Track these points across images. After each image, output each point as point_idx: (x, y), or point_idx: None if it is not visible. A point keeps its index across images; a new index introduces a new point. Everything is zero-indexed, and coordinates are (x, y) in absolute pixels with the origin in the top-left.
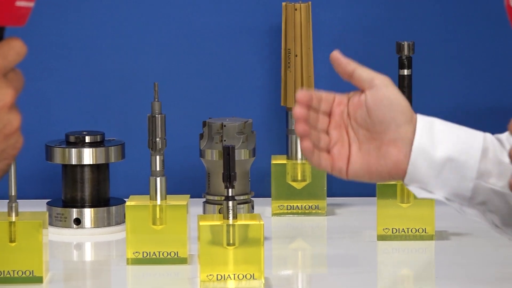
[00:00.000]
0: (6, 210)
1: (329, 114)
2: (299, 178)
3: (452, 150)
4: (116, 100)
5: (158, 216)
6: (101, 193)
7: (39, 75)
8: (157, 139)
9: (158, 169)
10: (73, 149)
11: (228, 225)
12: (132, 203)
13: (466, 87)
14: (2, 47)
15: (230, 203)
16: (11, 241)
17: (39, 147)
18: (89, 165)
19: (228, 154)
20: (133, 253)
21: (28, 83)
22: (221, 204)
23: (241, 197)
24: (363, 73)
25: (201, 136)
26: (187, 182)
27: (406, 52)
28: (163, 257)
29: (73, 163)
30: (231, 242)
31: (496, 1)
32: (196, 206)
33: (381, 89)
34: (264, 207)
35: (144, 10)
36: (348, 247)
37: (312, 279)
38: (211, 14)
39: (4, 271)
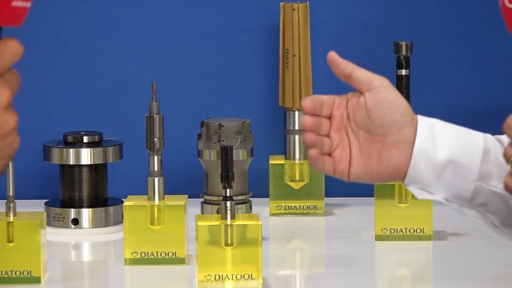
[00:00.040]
0: (4, 210)
1: (330, 117)
2: (297, 178)
3: (453, 152)
4: (114, 100)
5: (156, 216)
6: (99, 193)
7: (37, 75)
8: (155, 139)
9: (156, 169)
10: (71, 149)
11: (226, 225)
12: (130, 203)
13: (464, 87)
14: None
15: (228, 203)
16: (9, 241)
17: (37, 147)
18: (87, 165)
19: (226, 154)
20: (131, 253)
21: (26, 83)
22: (219, 204)
23: (239, 197)
24: (362, 75)
25: (199, 136)
26: (185, 182)
27: (404, 52)
28: (161, 257)
29: (71, 163)
30: (229, 242)
31: (494, 1)
32: (194, 206)
33: (381, 92)
34: (262, 207)
35: (142, 11)
36: (346, 247)
37: (310, 279)
38: (209, 14)
39: (2, 271)
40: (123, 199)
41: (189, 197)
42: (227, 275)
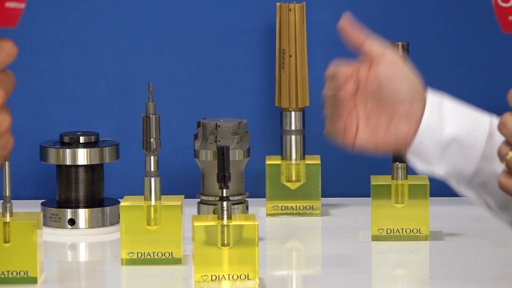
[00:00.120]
0: (0, 210)
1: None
2: (294, 178)
3: (459, 130)
4: (110, 100)
5: (152, 216)
6: (95, 193)
7: (34, 76)
8: (152, 140)
9: (152, 169)
10: (67, 150)
11: (222, 226)
12: (127, 203)
13: (461, 88)
14: None
15: (225, 203)
16: (6, 241)
17: (33, 148)
18: (84, 165)
19: (222, 154)
20: (128, 254)
21: (22, 84)
22: (215, 205)
23: (236, 198)
24: (374, 48)
25: (196, 136)
26: (182, 183)
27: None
28: (157, 257)
29: (68, 164)
30: (225, 242)
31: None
32: (190, 207)
33: (393, 65)
34: (258, 207)
35: (138, 11)
36: (343, 248)
37: (306, 279)
38: (205, 14)
39: None
40: (119, 200)
41: (185, 198)
42: (223, 276)
